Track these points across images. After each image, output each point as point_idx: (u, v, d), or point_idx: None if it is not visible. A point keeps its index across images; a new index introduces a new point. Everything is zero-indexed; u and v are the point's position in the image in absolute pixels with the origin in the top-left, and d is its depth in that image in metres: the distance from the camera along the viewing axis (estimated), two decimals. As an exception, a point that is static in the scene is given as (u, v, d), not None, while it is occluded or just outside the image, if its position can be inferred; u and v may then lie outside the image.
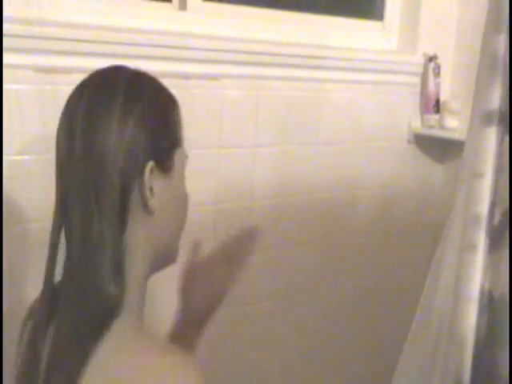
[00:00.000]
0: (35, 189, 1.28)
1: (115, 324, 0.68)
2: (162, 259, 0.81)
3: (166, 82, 1.47)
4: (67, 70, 1.28)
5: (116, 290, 0.69)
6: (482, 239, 0.92)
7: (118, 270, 0.70)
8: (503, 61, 0.94)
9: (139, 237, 0.74)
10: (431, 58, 1.85)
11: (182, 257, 0.90)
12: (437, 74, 1.85)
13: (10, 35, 1.19)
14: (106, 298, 0.68)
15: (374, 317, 2.01)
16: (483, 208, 0.92)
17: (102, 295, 0.68)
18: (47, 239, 1.09)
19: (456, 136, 1.84)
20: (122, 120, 0.72)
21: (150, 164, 0.73)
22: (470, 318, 0.91)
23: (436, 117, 1.88)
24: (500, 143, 0.94)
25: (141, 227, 0.74)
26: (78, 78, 1.28)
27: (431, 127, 1.89)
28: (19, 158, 1.27)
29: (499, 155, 0.94)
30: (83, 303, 0.69)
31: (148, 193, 0.73)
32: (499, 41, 0.95)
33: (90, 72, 1.28)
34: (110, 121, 0.72)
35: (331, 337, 1.93)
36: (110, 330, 0.67)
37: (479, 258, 0.92)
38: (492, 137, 0.94)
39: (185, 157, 0.81)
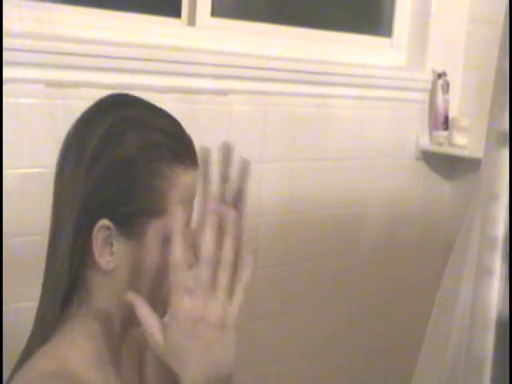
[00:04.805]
0: (46, 202, 1.28)
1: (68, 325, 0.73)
2: (127, 314, 0.74)
3: (174, 97, 1.49)
4: (76, 85, 1.29)
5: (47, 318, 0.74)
6: (498, 264, 0.90)
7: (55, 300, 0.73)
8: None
9: (102, 287, 0.73)
10: (440, 75, 1.85)
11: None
12: (445, 90, 1.85)
13: (21, 50, 1.20)
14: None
15: (381, 334, 1.99)
16: (499, 231, 0.90)
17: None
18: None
19: (465, 153, 1.84)
20: (91, 164, 0.69)
21: (102, 222, 0.68)
22: (488, 342, 0.89)
23: (445, 134, 1.87)
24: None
25: (101, 279, 0.72)
26: (87, 93, 1.30)
27: (440, 144, 1.88)
28: (30, 171, 1.27)
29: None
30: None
31: (99, 249, 0.69)
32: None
33: (99, 86, 1.31)
34: (81, 161, 0.69)
35: (339, 353, 1.91)
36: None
37: (496, 282, 0.89)
38: (507, 157, 0.93)
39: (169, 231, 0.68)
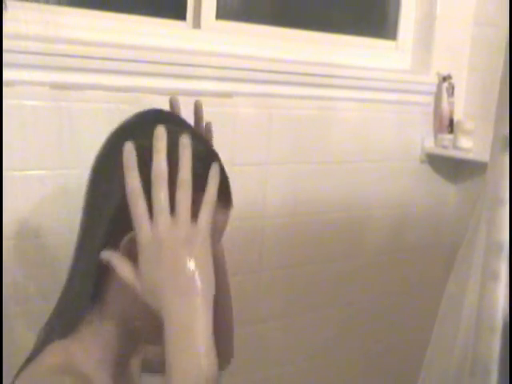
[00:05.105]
0: (50, 203, 1.29)
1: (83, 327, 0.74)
2: (137, 331, 0.76)
3: (179, 100, 1.48)
4: (81, 87, 1.30)
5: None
6: (504, 268, 0.89)
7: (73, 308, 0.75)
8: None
9: (119, 299, 0.73)
10: (445, 78, 1.85)
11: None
12: (450, 93, 1.85)
13: (27, 52, 1.20)
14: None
15: (385, 337, 1.98)
16: (505, 236, 0.89)
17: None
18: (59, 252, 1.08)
19: (470, 156, 1.83)
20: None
21: (131, 235, 0.67)
22: (493, 346, 0.88)
23: (450, 137, 1.87)
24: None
25: (120, 291, 0.73)
26: (92, 95, 1.31)
27: (445, 147, 1.87)
28: (35, 173, 1.28)
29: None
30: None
31: None
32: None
33: (104, 89, 1.31)
34: (117, 171, 0.68)
35: (343, 356, 1.91)
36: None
37: (501, 287, 0.89)
38: (507, 162, 0.92)
39: None
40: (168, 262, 0.64)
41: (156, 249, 0.64)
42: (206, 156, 0.73)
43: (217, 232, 0.73)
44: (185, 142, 0.67)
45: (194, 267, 0.64)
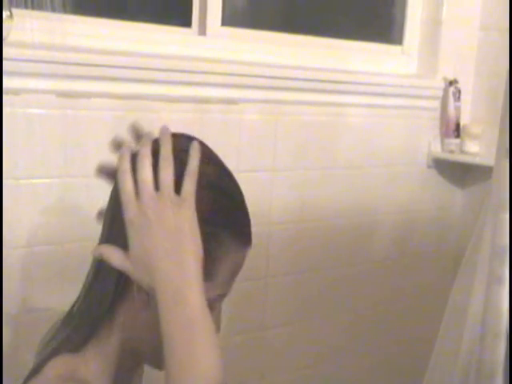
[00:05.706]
0: (56, 212, 1.29)
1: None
2: (141, 353, 0.77)
3: (185, 107, 1.49)
4: (88, 95, 1.30)
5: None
6: (508, 273, 0.89)
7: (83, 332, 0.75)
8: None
9: (128, 322, 0.74)
10: (451, 82, 1.84)
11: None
12: (457, 98, 1.84)
13: (33, 60, 1.20)
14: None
15: (392, 343, 1.97)
16: (509, 240, 0.89)
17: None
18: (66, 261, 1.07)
19: (477, 161, 1.82)
20: None
21: None
22: (498, 352, 0.88)
23: (456, 141, 1.86)
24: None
25: (130, 314, 0.74)
26: (98, 103, 1.31)
27: (451, 152, 1.87)
28: (42, 181, 1.28)
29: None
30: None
31: (138, 286, 0.70)
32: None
33: (110, 96, 1.31)
34: None
35: (349, 362, 1.90)
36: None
37: (506, 291, 0.89)
38: (507, 168, 0.91)
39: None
40: (156, 229, 0.65)
41: (143, 220, 0.66)
42: (243, 206, 0.76)
43: (232, 273, 0.74)
44: (164, 129, 0.71)
45: (182, 230, 0.66)
